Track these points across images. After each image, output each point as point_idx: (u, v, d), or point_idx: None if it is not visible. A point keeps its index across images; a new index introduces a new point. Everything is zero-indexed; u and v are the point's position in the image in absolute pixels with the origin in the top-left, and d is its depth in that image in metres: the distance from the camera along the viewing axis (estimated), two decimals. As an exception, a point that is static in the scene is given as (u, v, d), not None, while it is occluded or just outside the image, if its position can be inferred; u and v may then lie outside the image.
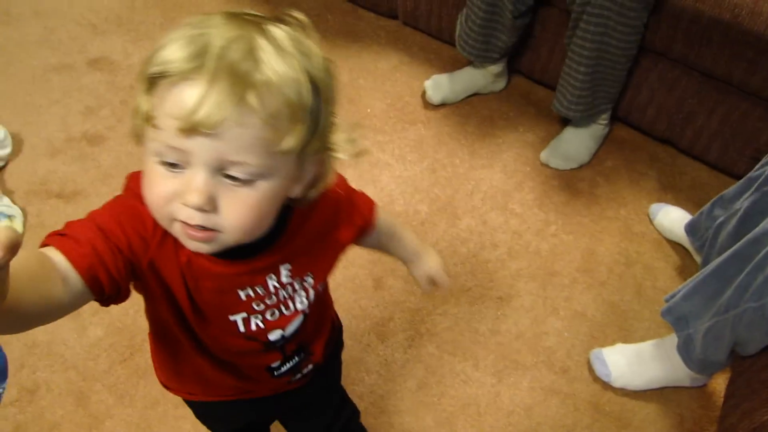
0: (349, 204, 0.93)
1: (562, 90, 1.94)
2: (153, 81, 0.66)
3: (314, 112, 0.70)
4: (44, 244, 0.70)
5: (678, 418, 1.55)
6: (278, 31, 0.69)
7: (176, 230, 0.72)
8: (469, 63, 2.17)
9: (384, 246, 1.08)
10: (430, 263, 1.12)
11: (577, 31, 1.81)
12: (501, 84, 2.21)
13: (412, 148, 2.03)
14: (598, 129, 2.05)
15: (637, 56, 1.91)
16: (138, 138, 0.72)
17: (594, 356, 1.60)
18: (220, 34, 0.65)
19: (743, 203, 1.54)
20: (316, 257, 0.88)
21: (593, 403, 1.56)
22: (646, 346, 1.58)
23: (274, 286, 0.84)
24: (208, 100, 0.63)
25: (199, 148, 0.65)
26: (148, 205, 0.72)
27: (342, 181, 0.91)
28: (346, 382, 1.52)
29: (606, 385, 1.58)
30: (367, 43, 2.36)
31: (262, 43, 0.66)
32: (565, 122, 2.07)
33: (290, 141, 0.68)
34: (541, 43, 2.11)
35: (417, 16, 2.35)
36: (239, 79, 0.63)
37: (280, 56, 0.66)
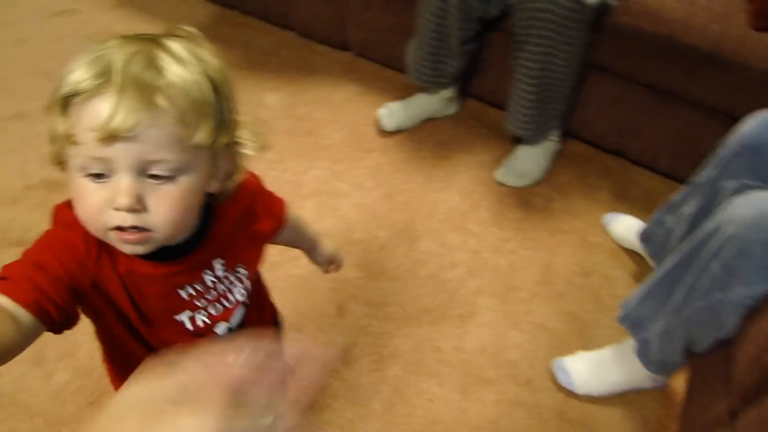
0: (265, 199, 1.00)
1: (513, 110, 2.00)
2: (66, 102, 0.71)
3: (217, 108, 0.76)
4: None
5: (641, 419, 1.58)
6: (173, 44, 0.75)
7: (112, 238, 0.76)
8: (422, 89, 2.21)
9: (293, 240, 1.16)
10: (327, 247, 1.24)
11: (522, 53, 1.86)
12: (454, 108, 2.26)
13: (369, 176, 2.06)
14: (550, 145, 2.10)
15: (583, 73, 1.97)
16: (60, 163, 0.76)
17: (556, 366, 1.63)
18: (120, 52, 0.71)
19: (690, 208, 1.59)
20: (244, 249, 0.94)
21: (558, 411, 1.58)
22: (606, 353, 1.62)
23: (212, 281, 0.90)
24: (121, 108, 0.68)
25: (120, 153, 0.70)
26: (82, 221, 0.76)
27: (256, 178, 0.97)
28: (314, 409, 1.54)
29: (570, 393, 1.61)
30: (321, 75, 2.40)
31: (160, 54, 0.72)
32: (517, 141, 2.12)
33: (201, 135, 0.74)
34: (490, 66, 2.16)
35: (369, 46, 2.40)
36: (145, 86, 0.70)
37: (178, 63, 0.73)
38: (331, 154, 2.12)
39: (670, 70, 1.87)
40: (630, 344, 1.55)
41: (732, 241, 1.25)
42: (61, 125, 0.72)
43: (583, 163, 2.15)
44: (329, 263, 1.27)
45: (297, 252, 1.86)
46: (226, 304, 0.93)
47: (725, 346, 1.34)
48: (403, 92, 2.27)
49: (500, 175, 2.07)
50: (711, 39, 1.77)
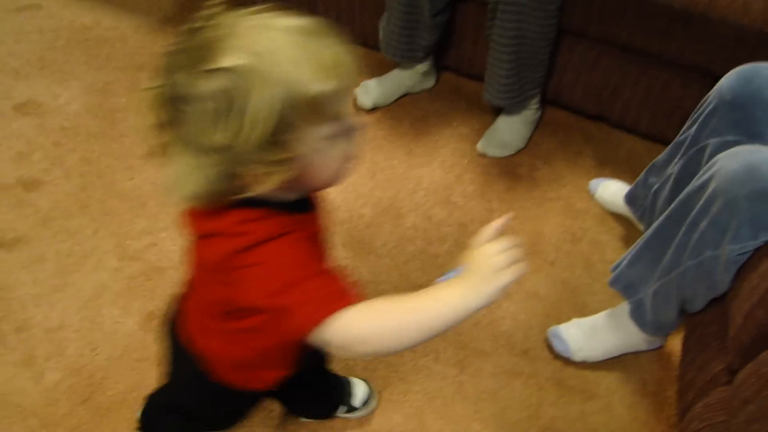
0: None
1: (490, 80, 1.98)
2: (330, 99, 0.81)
3: None
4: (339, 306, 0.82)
5: (640, 382, 1.58)
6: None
7: (344, 173, 0.91)
8: (397, 65, 2.19)
9: None
10: None
11: (495, 22, 1.85)
12: (430, 82, 2.24)
13: (350, 155, 2.04)
14: (529, 114, 2.08)
15: (557, 39, 1.95)
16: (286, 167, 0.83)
17: (551, 334, 1.63)
18: (313, 39, 0.82)
19: (674, 168, 1.58)
20: None
21: (556, 379, 1.58)
22: (601, 317, 1.62)
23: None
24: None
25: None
26: (331, 181, 0.91)
27: None
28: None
29: (567, 361, 1.61)
30: (294, 57, 2.37)
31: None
32: (497, 111, 2.11)
33: None
34: (464, 37, 2.14)
35: (340, 25, 2.35)
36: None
37: None
38: (310, 136, 2.10)
39: (643, 31, 1.85)
40: (624, 308, 1.55)
41: (719, 197, 1.25)
42: (320, 114, 0.81)
43: (564, 129, 2.14)
44: None
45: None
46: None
47: (719, 303, 1.35)
48: (378, 69, 2.24)
49: (482, 146, 2.06)
50: (683, -4, 1.76)
